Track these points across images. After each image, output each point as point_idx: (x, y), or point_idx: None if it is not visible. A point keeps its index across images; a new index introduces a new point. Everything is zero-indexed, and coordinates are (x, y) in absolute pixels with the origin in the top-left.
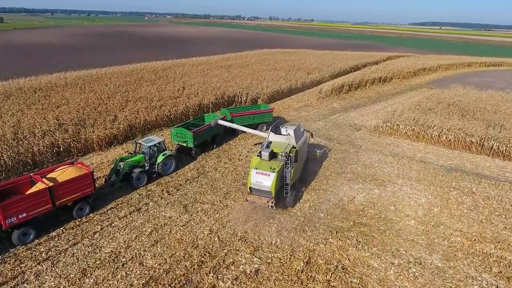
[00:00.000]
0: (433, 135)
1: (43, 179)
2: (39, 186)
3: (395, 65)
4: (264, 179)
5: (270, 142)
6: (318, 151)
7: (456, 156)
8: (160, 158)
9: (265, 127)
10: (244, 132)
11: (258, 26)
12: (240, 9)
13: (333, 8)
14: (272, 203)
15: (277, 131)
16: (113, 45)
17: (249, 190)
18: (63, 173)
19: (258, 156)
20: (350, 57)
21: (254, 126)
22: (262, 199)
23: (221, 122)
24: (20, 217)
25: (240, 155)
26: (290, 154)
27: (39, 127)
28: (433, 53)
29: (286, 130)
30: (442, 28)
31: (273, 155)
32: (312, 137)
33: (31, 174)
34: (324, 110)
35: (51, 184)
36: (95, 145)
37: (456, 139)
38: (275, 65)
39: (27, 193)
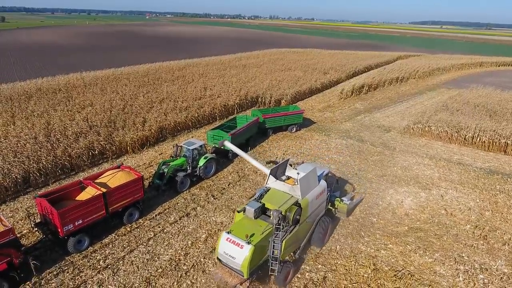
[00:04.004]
0: (467, 136)
1: (95, 184)
2: (90, 191)
3: (408, 65)
4: (235, 252)
5: (268, 190)
6: (346, 202)
7: (492, 158)
8: (202, 161)
9: (294, 129)
10: (274, 133)
11: (260, 25)
12: (240, 8)
13: (333, 7)
14: (244, 286)
15: (284, 173)
16: (120, 45)
17: (217, 260)
18: (113, 178)
19: (242, 211)
20: (361, 57)
21: (285, 128)
22: (233, 276)
23: (227, 144)
24: (76, 224)
25: (276, 157)
26: (287, 214)
27: (70, 129)
28: (441, 52)
29: (298, 174)
30: (443, 27)
31: (264, 211)
32: (337, 183)
33: (81, 179)
34: (348, 111)
35: (105, 189)
36: (128, 147)
37: (490, 140)
38: (289, 65)
39: (81, 199)
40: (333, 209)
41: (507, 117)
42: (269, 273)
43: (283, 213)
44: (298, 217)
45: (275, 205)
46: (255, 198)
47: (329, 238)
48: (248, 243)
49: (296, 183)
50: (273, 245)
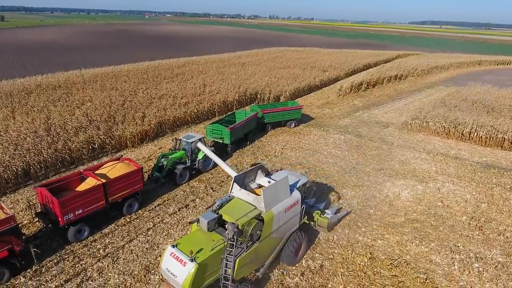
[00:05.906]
0: (464, 132)
1: (95, 175)
2: (90, 182)
3: (407, 63)
4: (176, 270)
5: (230, 200)
6: (327, 215)
7: (489, 153)
8: (201, 155)
9: (293, 124)
10: (273, 128)
11: (259, 25)
12: (239, 7)
13: (333, 7)
14: None
15: (254, 181)
16: (119, 43)
17: (161, 275)
18: (113, 169)
19: (196, 222)
20: (360, 56)
21: (283, 123)
22: None
23: (200, 146)
24: (76, 213)
25: (275, 152)
26: (245, 228)
27: (70, 123)
28: (440, 51)
29: (269, 182)
30: (443, 27)
31: (222, 223)
32: (315, 194)
33: (81, 170)
34: (346, 108)
35: (105, 180)
36: (128, 141)
37: (487, 136)
38: (288, 63)
39: (81, 189)
40: (311, 223)
41: (504, 113)
42: None
43: (239, 227)
44: (259, 232)
45: (233, 218)
46: (214, 209)
47: (304, 254)
48: (192, 260)
49: (262, 193)
50: (226, 263)
